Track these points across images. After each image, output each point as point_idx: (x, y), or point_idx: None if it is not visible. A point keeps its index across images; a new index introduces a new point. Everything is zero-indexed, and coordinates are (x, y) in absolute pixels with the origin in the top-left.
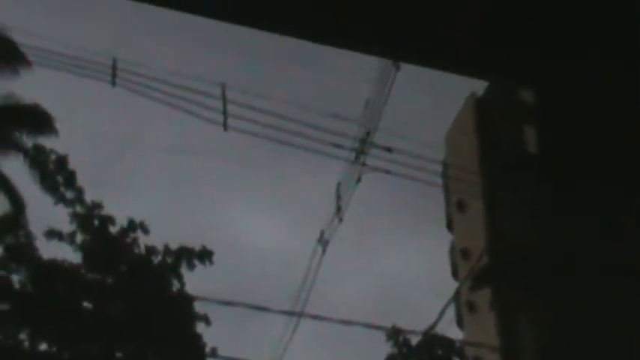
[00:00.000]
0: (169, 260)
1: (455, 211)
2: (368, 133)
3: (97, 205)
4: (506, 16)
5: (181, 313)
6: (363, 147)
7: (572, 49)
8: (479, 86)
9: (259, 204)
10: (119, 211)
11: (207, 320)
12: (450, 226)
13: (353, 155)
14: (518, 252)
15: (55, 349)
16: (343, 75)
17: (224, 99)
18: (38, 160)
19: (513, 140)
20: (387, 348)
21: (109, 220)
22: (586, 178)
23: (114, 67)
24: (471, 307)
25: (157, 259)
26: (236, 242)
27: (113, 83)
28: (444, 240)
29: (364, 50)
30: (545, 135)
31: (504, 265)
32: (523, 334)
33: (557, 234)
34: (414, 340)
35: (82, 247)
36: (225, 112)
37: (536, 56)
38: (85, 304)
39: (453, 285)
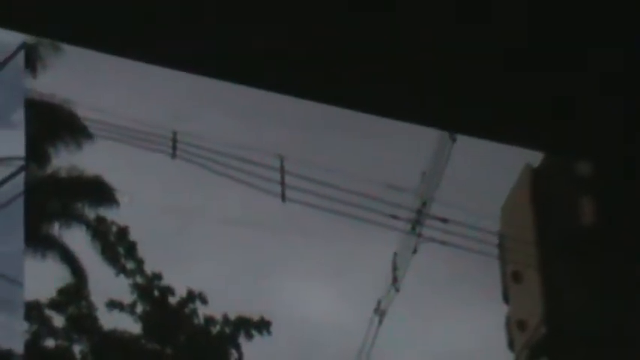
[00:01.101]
0: (228, 330)
1: (511, 282)
2: (424, 204)
3: (157, 276)
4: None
5: None
6: (419, 218)
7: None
8: (535, 157)
9: (316, 275)
10: (179, 282)
11: None
12: (505, 297)
13: (409, 226)
14: (576, 324)
15: None
16: (400, 146)
17: (282, 171)
18: (100, 232)
19: (569, 212)
20: None
21: (168, 290)
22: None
23: (174, 140)
24: None
25: (215, 330)
26: (294, 313)
27: (173, 155)
28: (500, 311)
29: (421, 122)
30: (603, 207)
31: (562, 337)
32: None
33: (614, 310)
34: None
35: (142, 318)
36: (282, 184)
37: (595, 128)
38: None
39: (509, 357)
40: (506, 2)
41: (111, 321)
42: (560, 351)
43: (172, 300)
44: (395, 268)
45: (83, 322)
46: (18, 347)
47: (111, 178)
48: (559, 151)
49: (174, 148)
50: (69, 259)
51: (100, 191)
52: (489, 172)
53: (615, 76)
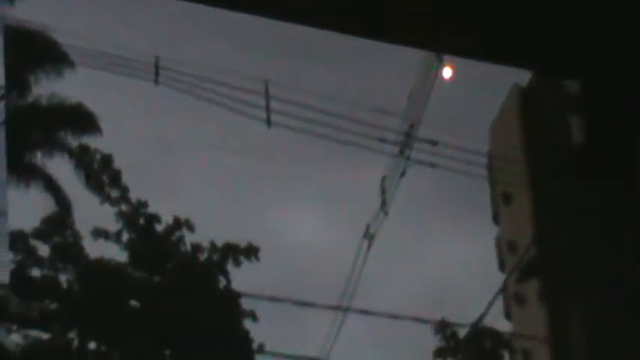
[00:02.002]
0: (215, 257)
1: (501, 203)
2: (412, 127)
3: (143, 204)
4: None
5: (228, 310)
6: (407, 141)
7: (622, 38)
8: (523, 77)
9: (304, 200)
10: (164, 209)
11: (254, 317)
12: (495, 218)
13: (397, 149)
14: (566, 243)
15: (104, 348)
16: (386, 69)
17: (267, 96)
18: (83, 160)
19: (559, 131)
20: (435, 341)
21: (154, 218)
22: (635, 171)
23: (157, 66)
24: (519, 299)
25: (203, 257)
26: (281, 238)
27: (156, 82)
28: (490, 232)
29: (406, 43)
30: (592, 126)
31: (552, 257)
32: (572, 326)
33: (603, 227)
34: (462, 333)
35: (129, 246)
36: (268, 109)
37: (585, 45)
38: (133, 302)
39: (500, 277)
40: None
41: (97, 250)
42: (551, 271)
43: (158, 228)
44: (383, 192)
45: (69, 252)
46: (3, 277)
47: (93, 106)
48: (547, 69)
49: (156, 74)
50: (53, 188)
51: (82, 119)
52: (477, 92)
53: None
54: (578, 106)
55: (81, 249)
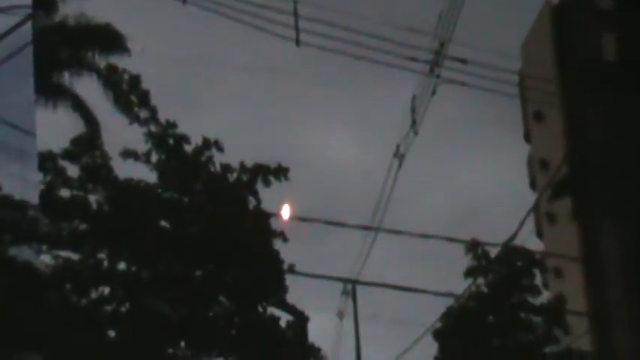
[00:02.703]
0: (245, 178)
1: (532, 122)
2: (442, 45)
3: (172, 125)
4: None
5: (258, 231)
6: (437, 59)
7: None
8: None
9: (334, 119)
10: (194, 130)
11: (284, 237)
12: (527, 137)
13: (427, 68)
14: (599, 161)
15: (134, 268)
16: None
17: (295, 14)
18: (111, 80)
19: (591, 48)
20: (466, 261)
21: (183, 138)
22: None
23: None
24: (551, 218)
25: (232, 177)
26: (312, 158)
27: (184, 1)
28: (521, 151)
29: None
30: (625, 42)
31: (585, 174)
32: (605, 244)
33: (637, 143)
34: (494, 253)
35: (158, 167)
36: (297, 28)
37: None
38: (163, 223)
39: (531, 196)
40: None
41: (126, 170)
42: (583, 189)
43: (188, 148)
44: (414, 111)
45: (98, 172)
46: (33, 198)
47: (120, 26)
48: None
49: None
50: (81, 108)
51: (109, 39)
52: (508, 10)
53: None
54: (611, 23)
55: (110, 169)
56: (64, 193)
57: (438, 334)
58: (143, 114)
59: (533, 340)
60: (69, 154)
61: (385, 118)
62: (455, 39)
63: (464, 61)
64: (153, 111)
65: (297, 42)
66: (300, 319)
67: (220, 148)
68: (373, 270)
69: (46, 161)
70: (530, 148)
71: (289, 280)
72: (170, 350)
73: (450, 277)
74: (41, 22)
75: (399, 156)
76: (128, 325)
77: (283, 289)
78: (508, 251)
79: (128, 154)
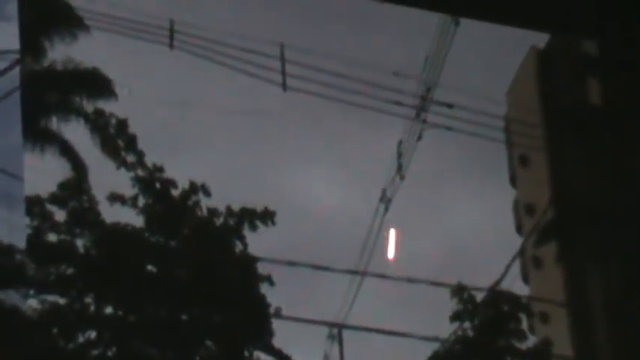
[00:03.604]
0: (232, 222)
1: (518, 166)
2: (428, 90)
3: (159, 169)
4: None
5: (245, 275)
6: (423, 104)
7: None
8: (540, 39)
9: (319, 164)
10: (181, 174)
11: (270, 281)
12: (513, 181)
13: (413, 112)
14: (584, 205)
15: (120, 312)
16: (401, 32)
17: (282, 59)
18: (99, 125)
19: (576, 92)
20: (452, 305)
21: (170, 183)
22: None
23: (171, 30)
24: (537, 262)
25: (219, 221)
26: (298, 203)
27: (171, 46)
28: (507, 196)
29: (423, 6)
30: (609, 87)
31: (570, 220)
32: (591, 289)
33: (623, 186)
34: (480, 297)
35: (145, 211)
36: (283, 72)
37: (601, 7)
38: (149, 267)
39: (517, 241)
40: None
41: (113, 215)
42: (569, 234)
43: (175, 192)
44: (400, 156)
45: (85, 216)
46: (20, 242)
47: (108, 70)
48: (566, 31)
49: (171, 38)
50: (68, 152)
51: (97, 83)
52: (494, 54)
53: None
54: (596, 68)
55: (97, 214)
56: (52, 237)
57: None
58: (130, 158)
59: None
60: (56, 199)
61: (371, 163)
62: (441, 83)
63: (450, 106)
64: (140, 155)
65: (284, 86)
66: None
67: (207, 193)
68: (360, 313)
69: (34, 206)
70: (516, 192)
71: (275, 323)
72: None
73: (436, 321)
74: (29, 67)
75: (386, 200)
76: None
77: (270, 333)
78: (494, 295)
79: (115, 198)
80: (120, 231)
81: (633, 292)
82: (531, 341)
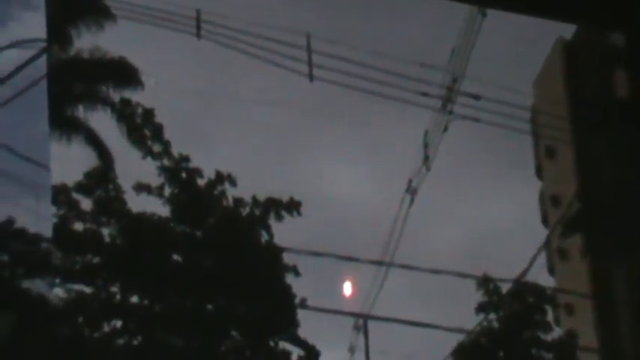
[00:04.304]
0: (257, 212)
1: (544, 157)
2: (455, 81)
3: (185, 158)
4: None
5: (270, 265)
6: (450, 95)
7: None
8: (567, 31)
9: (346, 154)
10: (206, 163)
11: (296, 271)
12: (539, 173)
13: (440, 103)
14: (610, 197)
15: (146, 302)
16: (429, 23)
17: (309, 49)
18: (125, 114)
19: (603, 84)
20: (477, 296)
21: (196, 172)
22: None
23: (198, 20)
24: (563, 254)
25: (245, 211)
26: (324, 193)
27: (198, 36)
28: (533, 188)
29: None
30: (636, 79)
31: (596, 211)
32: (616, 281)
33: None
34: (505, 288)
35: (171, 201)
36: (310, 63)
37: None
38: (175, 256)
39: (543, 232)
40: None
41: (139, 204)
42: (594, 226)
43: (200, 182)
44: (426, 147)
45: (111, 206)
46: (46, 231)
47: (135, 59)
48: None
49: (198, 28)
50: (95, 142)
51: (124, 73)
52: (520, 46)
53: None
54: (623, 60)
55: (123, 203)
56: (78, 226)
57: None
58: (156, 148)
59: None
60: (82, 188)
61: (398, 154)
62: (467, 75)
63: (477, 97)
64: (166, 145)
65: (311, 77)
66: (312, 354)
67: (233, 182)
68: (385, 305)
69: (60, 194)
70: (542, 184)
71: (301, 314)
72: None
73: (462, 312)
74: (56, 56)
75: (412, 191)
76: (140, 359)
77: (295, 323)
78: (520, 287)
79: (141, 187)
80: (146, 220)
81: None
82: (557, 333)
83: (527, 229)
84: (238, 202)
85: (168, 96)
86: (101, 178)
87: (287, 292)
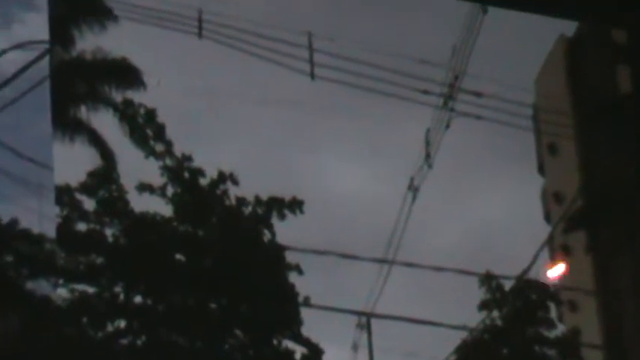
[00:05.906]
0: (260, 211)
1: (546, 154)
2: (456, 78)
3: (187, 158)
4: None
5: (273, 264)
6: (451, 92)
7: None
8: (568, 28)
9: (348, 152)
10: (209, 163)
11: (299, 270)
12: (541, 169)
13: (441, 101)
14: (613, 193)
15: (149, 301)
16: (430, 21)
17: (310, 48)
18: (127, 114)
19: (605, 80)
20: (480, 294)
21: (199, 172)
22: None
23: (200, 19)
24: (566, 250)
25: (247, 210)
26: (326, 191)
27: (200, 35)
28: (535, 184)
29: None
30: (638, 74)
31: (599, 207)
32: (620, 277)
33: None
34: (508, 286)
35: (173, 200)
36: (311, 61)
37: None
38: (178, 256)
39: (546, 229)
40: None
41: (142, 204)
42: (598, 222)
43: (203, 182)
44: (428, 144)
45: (114, 206)
46: (50, 232)
47: (137, 60)
48: (594, 19)
49: (200, 27)
50: (97, 142)
51: (126, 73)
52: (522, 42)
53: None
54: (625, 56)
55: (126, 203)
56: (81, 226)
57: None
58: (159, 147)
59: None
60: (85, 188)
61: (399, 151)
62: (469, 72)
63: (478, 94)
64: (168, 144)
65: (312, 75)
66: (315, 352)
67: (235, 182)
68: (388, 302)
69: (63, 195)
70: (545, 180)
71: (304, 312)
72: None
73: (464, 310)
74: (59, 57)
75: (414, 189)
76: (144, 358)
77: (298, 322)
78: (522, 284)
79: (144, 187)
80: (148, 220)
81: None
82: (560, 330)
83: (530, 225)
84: (241, 201)
85: (171, 95)
86: (104, 178)
87: (290, 291)
